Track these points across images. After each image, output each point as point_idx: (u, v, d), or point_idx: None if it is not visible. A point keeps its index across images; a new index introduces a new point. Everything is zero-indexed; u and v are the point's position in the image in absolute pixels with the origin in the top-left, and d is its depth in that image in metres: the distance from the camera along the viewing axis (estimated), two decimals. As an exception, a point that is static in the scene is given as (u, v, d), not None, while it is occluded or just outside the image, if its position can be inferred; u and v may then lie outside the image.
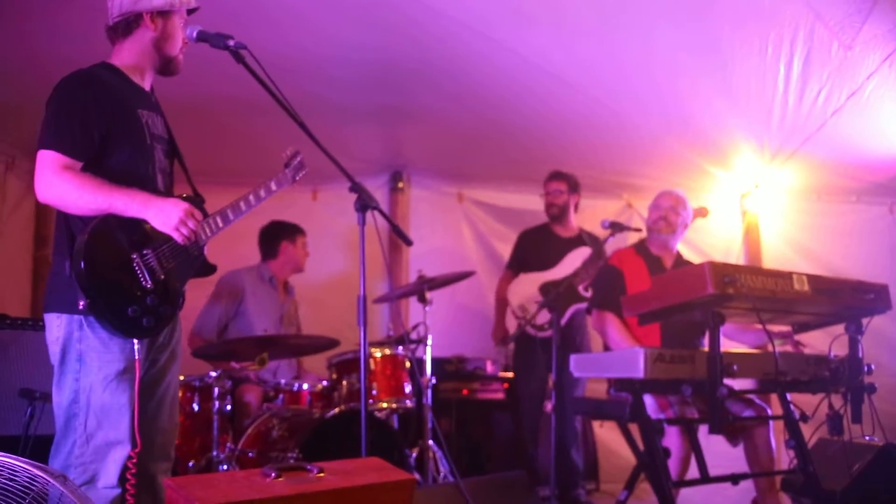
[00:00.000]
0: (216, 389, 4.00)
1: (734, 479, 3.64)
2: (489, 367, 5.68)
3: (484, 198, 6.39)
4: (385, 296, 5.33)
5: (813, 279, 3.41)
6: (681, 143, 5.52)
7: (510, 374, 5.59)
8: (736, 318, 3.75)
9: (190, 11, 2.82)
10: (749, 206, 6.37)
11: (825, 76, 4.57)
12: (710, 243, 6.24)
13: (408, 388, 4.50)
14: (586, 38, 4.32)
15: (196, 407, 4.20)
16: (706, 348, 3.39)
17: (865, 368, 3.55)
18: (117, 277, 2.46)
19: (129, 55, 2.72)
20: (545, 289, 5.06)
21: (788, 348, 3.94)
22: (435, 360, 4.94)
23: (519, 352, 5.26)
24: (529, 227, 5.50)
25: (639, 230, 4.63)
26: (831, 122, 4.98)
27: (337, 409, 4.12)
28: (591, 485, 5.56)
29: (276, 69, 2.77)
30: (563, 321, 4.94)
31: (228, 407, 4.12)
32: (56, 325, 2.51)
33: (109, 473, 2.46)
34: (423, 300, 4.77)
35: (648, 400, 3.83)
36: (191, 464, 4.08)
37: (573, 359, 3.76)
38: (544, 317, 4.81)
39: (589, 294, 4.87)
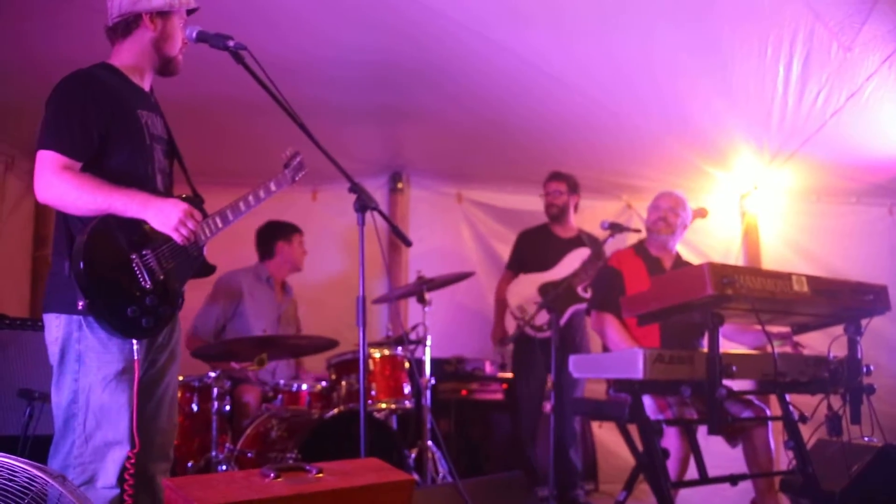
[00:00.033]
0: (215, 390, 4.00)
1: (733, 479, 3.64)
2: (488, 368, 5.68)
3: (483, 198, 6.39)
4: (384, 296, 5.33)
5: (812, 280, 3.41)
6: (680, 143, 5.52)
7: (509, 375, 5.59)
8: (735, 319, 3.75)
9: (189, 12, 2.82)
10: (748, 207, 6.38)
11: (825, 77, 4.57)
12: (710, 244, 6.25)
13: (407, 389, 4.50)
14: (585, 39, 4.32)
15: (195, 407, 4.20)
16: (705, 349, 3.39)
17: (864, 369, 3.55)
18: (116, 278, 2.46)
19: (128, 55, 2.72)
20: (544, 289, 5.06)
21: (787, 349, 3.94)
22: (434, 361, 4.94)
23: (518, 352, 5.26)
24: (529, 228, 5.50)
25: (638, 231, 4.62)
26: (831, 123, 4.99)
27: (336, 410, 4.12)
28: (590, 485, 5.56)
29: (276, 70, 2.77)
30: (562, 322, 4.94)
31: (227, 407, 4.12)
32: (55, 326, 2.51)
33: (108, 473, 2.46)
34: (422, 301, 4.77)
35: (647, 401, 3.83)
36: (190, 464, 4.08)
37: (572, 359, 3.77)
38: (543, 317, 4.82)
39: (588, 295, 4.87)
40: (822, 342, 3.66)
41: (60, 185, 2.45)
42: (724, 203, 6.33)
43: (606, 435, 5.72)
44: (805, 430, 3.61)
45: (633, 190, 6.25)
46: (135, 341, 2.49)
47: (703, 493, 4.09)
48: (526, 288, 5.20)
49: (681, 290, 3.32)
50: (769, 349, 3.41)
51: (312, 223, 5.87)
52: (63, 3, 3.69)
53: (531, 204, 5.79)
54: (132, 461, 2.45)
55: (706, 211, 4.87)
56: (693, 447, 3.76)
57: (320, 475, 2.27)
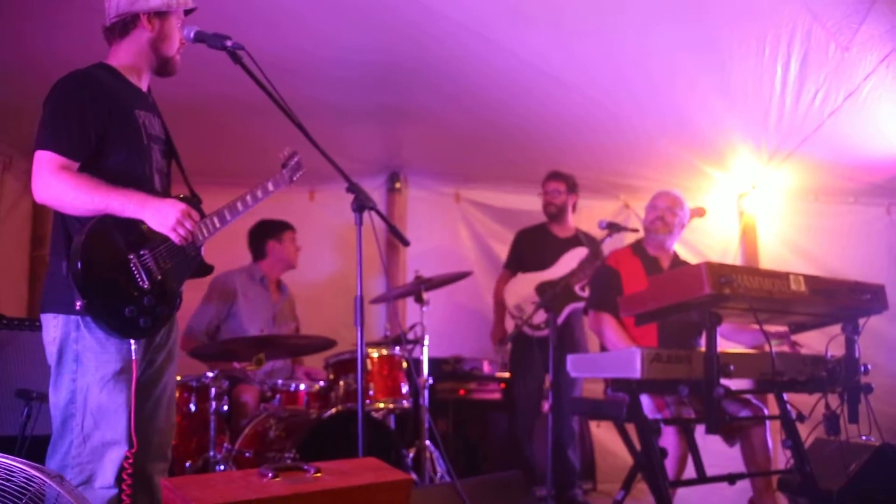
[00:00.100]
0: (213, 390, 4.00)
1: (731, 478, 3.65)
2: (486, 368, 5.68)
3: (481, 198, 6.39)
4: (382, 296, 5.33)
5: (810, 280, 3.41)
6: (678, 143, 5.53)
7: (507, 375, 5.59)
8: (733, 319, 3.75)
9: (187, 12, 2.82)
10: (746, 206, 6.38)
11: (822, 77, 4.58)
12: (707, 244, 6.25)
13: (405, 389, 4.50)
14: (584, 40, 4.32)
15: (193, 407, 4.19)
16: (703, 349, 3.39)
17: (862, 368, 3.55)
18: (114, 278, 2.46)
19: (126, 56, 2.72)
20: (541, 289, 5.06)
21: (785, 348, 3.94)
22: (432, 361, 4.93)
23: (516, 351, 5.26)
24: (526, 227, 5.51)
25: (636, 231, 4.63)
26: (828, 123, 4.99)
27: (334, 410, 4.12)
28: (588, 485, 5.55)
29: (274, 70, 2.77)
30: (560, 320, 4.94)
31: (225, 407, 4.12)
32: (53, 326, 2.51)
33: (106, 474, 2.46)
34: (420, 300, 4.76)
35: (645, 400, 3.83)
36: (188, 464, 4.08)
37: (570, 359, 3.77)
38: (541, 316, 4.81)
39: (585, 294, 4.87)
40: (820, 341, 3.66)
41: (58, 186, 2.45)
42: (721, 203, 6.34)
43: (604, 434, 5.73)
44: (803, 430, 3.61)
45: (630, 190, 6.25)
46: (132, 341, 2.49)
47: (701, 492, 4.09)
48: (524, 287, 5.20)
49: (678, 290, 3.33)
50: (767, 348, 3.42)
51: (310, 223, 5.87)
52: (63, 3, 3.69)
53: (529, 203, 5.80)
54: (130, 461, 2.45)
55: (704, 210, 4.87)
56: (691, 446, 3.77)
57: (318, 475, 2.27)
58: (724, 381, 3.28)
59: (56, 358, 2.50)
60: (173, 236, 2.55)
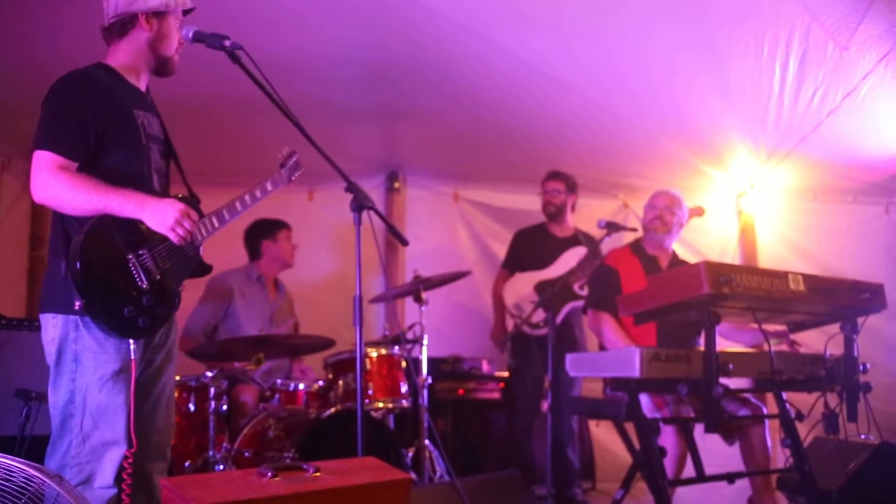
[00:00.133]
0: (212, 389, 4.00)
1: (730, 477, 3.65)
2: (485, 367, 5.68)
3: (480, 198, 6.39)
4: (381, 296, 5.32)
5: (808, 279, 3.42)
6: (677, 143, 5.53)
7: (506, 374, 5.60)
8: (732, 318, 3.76)
9: (186, 12, 2.82)
10: (745, 206, 6.38)
11: (821, 77, 4.58)
12: (706, 243, 6.25)
13: (404, 388, 4.50)
14: (583, 40, 4.32)
15: (192, 407, 4.19)
16: (702, 348, 3.39)
17: (861, 367, 3.56)
18: (113, 278, 2.46)
19: (124, 56, 2.72)
20: (540, 287, 5.06)
21: (784, 347, 3.95)
22: (431, 360, 4.93)
23: (515, 350, 5.26)
24: (525, 227, 5.51)
25: (634, 230, 4.63)
26: (827, 122, 4.99)
27: (333, 409, 4.12)
28: (588, 484, 5.56)
29: (273, 69, 2.77)
30: (559, 319, 4.94)
31: (224, 407, 4.12)
32: (52, 326, 2.51)
33: (105, 473, 2.46)
34: (418, 300, 4.76)
35: (644, 399, 3.83)
36: (187, 464, 4.08)
37: (569, 358, 3.77)
38: (540, 315, 4.81)
39: (584, 292, 4.87)
40: (819, 340, 3.67)
41: (57, 186, 2.45)
42: (720, 202, 6.34)
43: (604, 433, 5.73)
44: (802, 428, 3.61)
45: (629, 189, 6.25)
46: (131, 341, 2.49)
47: (700, 491, 4.09)
48: (523, 286, 5.20)
49: (677, 289, 3.33)
50: (766, 347, 3.42)
51: (309, 223, 5.88)
52: (62, 4, 3.68)
53: (528, 203, 5.80)
54: (130, 461, 2.45)
55: (703, 210, 4.88)
56: (690, 445, 3.77)
57: (317, 474, 2.27)
58: (723, 380, 3.28)
59: (55, 358, 2.50)
60: (172, 236, 2.54)
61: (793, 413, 3.59)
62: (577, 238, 5.22)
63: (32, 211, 5.39)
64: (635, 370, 3.25)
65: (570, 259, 5.07)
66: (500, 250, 5.77)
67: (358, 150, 5.70)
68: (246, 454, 4.04)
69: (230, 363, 4.34)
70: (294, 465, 2.32)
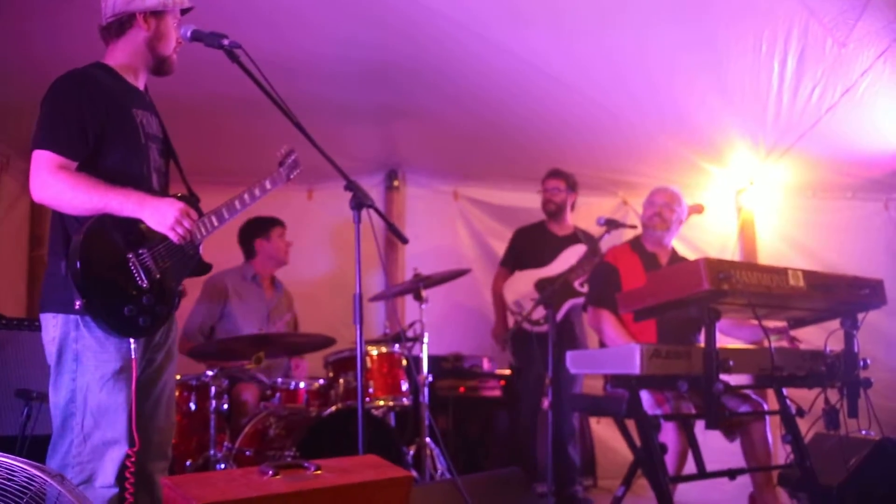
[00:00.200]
0: (213, 388, 4.00)
1: (731, 474, 3.65)
2: (486, 365, 5.68)
3: (479, 196, 6.39)
4: (381, 294, 5.33)
5: (808, 275, 3.42)
6: (676, 140, 5.53)
7: (507, 372, 5.60)
8: (732, 314, 3.75)
9: (184, 11, 2.82)
10: (744, 202, 6.38)
11: (819, 73, 4.58)
12: (706, 240, 6.25)
13: (404, 386, 4.50)
14: (583, 39, 4.33)
15: (193, 406, 4.19)
16: (702, 344, 3.39)
17: (861, 363, 3.55)
18: (113, 277, 2.46)
19: (122, 55, 2.71)
20: (541, 285, 5.06)
21: (784, 344, 3.95)
22: (431, 358, 4.94)
23: (516, 348, 5.26)
24: (525, 225, 5.51)
25: (634, 227, 4.64)
26: (826, 118, 5.00)
27: (334, 408, 4.12)
28: (589, 481, 5.57)
29: (271, 68, 2.77)
30: (559, 317, 4.94)
31: (225, 406, 4.11)
32: (52, 325, 2.52)
33: (107, 473, 2.46)
34: (419, 298, 4.76)
35: (645, 396, 3.83)
36: (188, 463, 4.08)
37: (569, 355, 3.77)
38: (541, 312, 4.82)
39: (585, 290, 4.88)
40: (819, 336, 3.66)
41: (56, 185, 2.45)
42: (720, 199, 6.34)
43: (604, 431, 5.73)
44: (802, 424, 3.61)
45: (629, 186, 6.25)
46: (132, 340, 2.49)
47: (702, 487, 4.09)
48: (523, 284, 5.21)
49: (677, 286, 3.33)
50: (766, 344, 3.42)
51: (309, 221, 5.89)
52: (62, 3, 3.68)
53: (527, 201, 5.81)
54: (132, 459, 2.45)
55: (702, 207, 4.88)
56: (691, 442, 3.77)
57: (319, 472, 2.27)
58: (723, 377, 3.27)
59: (56, 357, 2.50)
60: (172, 235, 2.54)
61: (793, 409, 3.59)
62: (576, 236, 5.22)
63: (32, 211, 5.39)
64: (636, 367, 3.24)
65: (569, 257, 5.07)
66: (500, 248, 5.77)
67: (357, 149, 5.70)
68: (247, 453, 4.04)
69: (230, 362, 4.34)
70: (295, 463, 2.32)
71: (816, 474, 3.51)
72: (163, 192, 2.76)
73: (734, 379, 3.56)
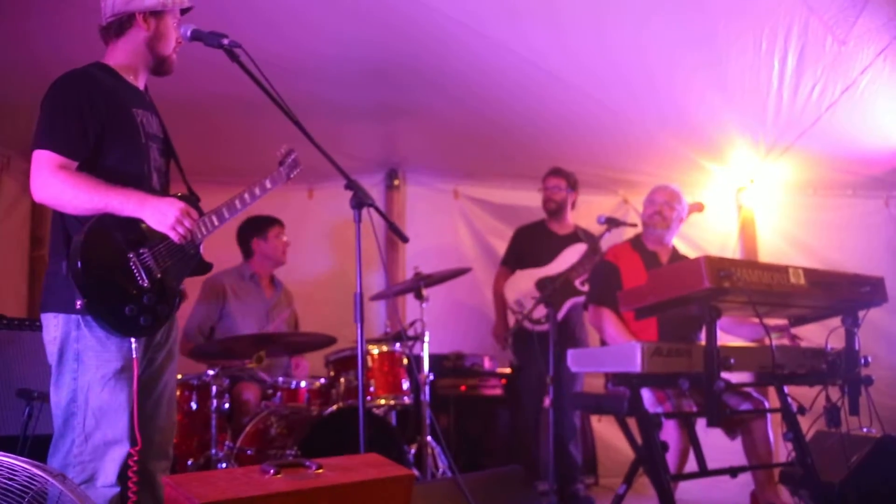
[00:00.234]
0: (214, 388, 4.00)
1: (732, 472, 3.65)
2: (487, 363, 5.68)
3: (480, 194, 6.39)
4: (382, 293, 5.33)
5: (809, 273, 3.42)
6: (676, 138, 5.53)
7: (507, 370, 5.60)
8: (732, 312, 3.76)
9: (184, 11, 2.82)
10: (745, 200, 6.38)
11: (819, 71, 4.58)
12: (707, 238, 6.25)
13: (406, 385, 4.50)
14: (582, 36, 4.32)
15: (194, 405, 4.19)
16: (703, 342, 3.39)
17: (862, 361, 3.56)
18: (114, 277, 2.46)
19: (122, 55, 2.72)
20: (542, 284, 5.06)
21: (785, 341, 3.95)
22: (432, 357, 4.94)
23: (517, 347, 5.26)
24: (525, 224, 5.51)
25: (634, 225, 4.64)
26: (826, 116, 4.99)
27: (335, 407, 4.13)
28: (590, 479, 5.57)
29: (271, 67, 2.77)
30: (560, 316, 4.94)
31: (226, 405, 4.10)
32: (53, 325, 2.52)
33: (108, 472, 2.47)
34: (419, 297, 4.76)
35: (646, 394, 3.83)
36: (189, 462, 4.08)
37: (570, 354, 3.77)
38: (542, 311, 4.81)
39: (586, 288, 4.88)
40: (820, 334, 3.67)
41: (57, 185, 2.45)
42: (720, 197, 6.34)
43: (606, 429, 5.73)
44: (804, 422, 3.61)
45: (629, 185, 6.25)
46: (133, 340, 2.50)
47: (703, 485, 4.10)
48: (523, 283, 5.21)
49: (678, 284, 3.33)
50: (767, 341, 3.42)
51: (309, 221, 5.89)
52: (62, 3, 3.68)
53: (528, 200, 5.81)
54: (135, 458, 2.45)
55: (703, 205, 4.88)
56: (692, 440, 3.78)
57: (320, 471, 2.27)
58: (724, 375, 3.28)
59: (57, 357, 2.50)
60: (172, 234, 2.55)
61: (794, 407, 3.59)
62: (576, 235, 5.22)
63: (32, 211, 5.39)
64: (637, 365, 3.24)
65: (570, 256, 5.07)
66: (501, 247, 5.77)
67: (357, 148, 5.70)
68: (248, 452, 4.04)
69: (231, 362, 4.34)
70: (296, 461, 2.32)
71: (818, 472, 3.51)
72: (163, 191, 2.77)
73: (735, 377, 3.56)
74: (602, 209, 5.58)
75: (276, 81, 2.76)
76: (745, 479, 4.05)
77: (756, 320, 3.51)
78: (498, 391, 5.63)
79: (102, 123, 2.54)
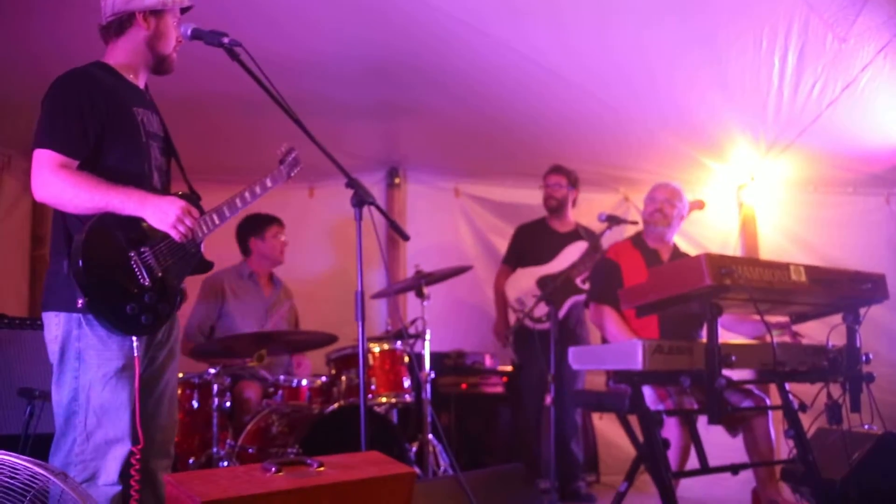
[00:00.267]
0: (215, 386, 4.00)
1: (734, 469, 3.65)
2: (488, 361, 5.68)
3: (480, 192, 6.39)
4: (383, 291, 5.33)
5: (810, 270, 3.42)
6: (677, 136, 5.52)
7: (508, 368, 5.60)
8: (733, 310, 3.76)
9: (184, 10, 2.81)
10: (745, 198, 6.38)
11: (820, 68, 4.57)
12: (707, 236, 6.25)
13: (407, 383, 4.50)
14: (583, 34, 4.32)
15: (195, 404, 4.20)
16: (704, 340, 3.39)
17: (863, 358, 3.55)
18: (115, 275, 2.46)
19: (122, 54, 2.72)
20: (543, 282, 5.07)
21: (786, 339, 3.95)
22: (433, 355, 4.94)
23: (518, 345, 5.26)
24: (526, 222, 5.51)
25: (635, 223, 4.64)
26: (826, 114, 4.99)
27: (336, 405, 4.13)
28: (592, 477, 5.56)
29: (272, 66, 2.77)
30: (562, 314, 4.94)
31: (228, 404, 4.11)
32: (55, 324, 2.52)
33: (110, 471, 2.47)
34: (420, 295, 4.76)
35: (647, 391, 3.83)
36: (191, 461, 4.09)
37: (571, 351, 3.77)
38: (543, 309, 4.82)
39: (587, 286, 4.88)
40: (821, 331, 3.66)
41: (57, 184, 2.45)
42: (721, 195, 6.33)
43: (607, 426, 5.73)
44: (805, 419, 3.61)
45: (630, 182, 6.25)
46: (134, 338, 2.50)
47: (704, 482, 4.10)
48: (524, 281, 5.21)
49: (679, 282, 3.33)
50: (768, 339, 3.42)
51: (310, 219, 5.90)
52: (62, 3, 3.68)
53: (529, 198, 5.81)
54: (137, 457, 2.45)
55: (703, 203, 4.88)
56: (693, 437, 3.77)
57: (321, 469, 2.27)
58: (725, 372, 3.28)
59: (58, 356, 2.50)
60: (173, 233, 2.55)
61: (796, 404, 3.59)
62: (577, 233, 5.22)
63: (33, 210, 5.39)
64: (638, 363, 3.24)
65: (571, 254, 5.08)
66: (502, 245, 5.77)
67: (358, 146, 5.70)
68: (250, 450, 4.05)
69: (232, 360, 4.34)
70: (298, 459, 2.32)
71: (819, 469, 3.51)
72: (164, 190, 2.77)
73: (736, 374, 3.56)
74: (603, 207, 5.59)
75: (277, 80, 2.76)
76: (747, 476, 4.06)
77: (757, 317, 3.51)
78: (499, 389, 5.63)
79: (103, 122, 2.54)
